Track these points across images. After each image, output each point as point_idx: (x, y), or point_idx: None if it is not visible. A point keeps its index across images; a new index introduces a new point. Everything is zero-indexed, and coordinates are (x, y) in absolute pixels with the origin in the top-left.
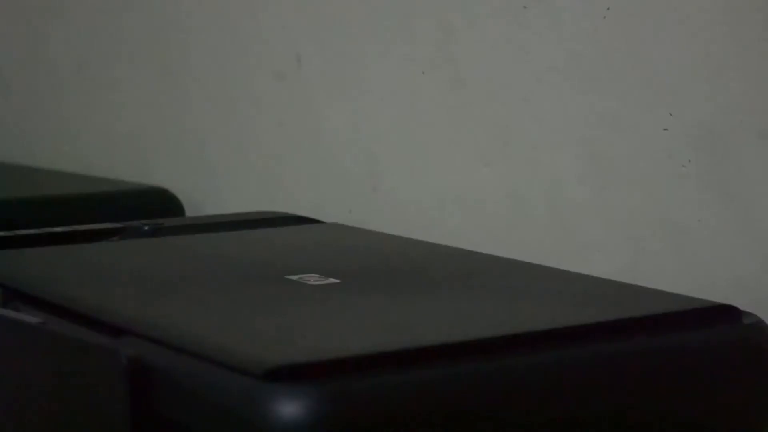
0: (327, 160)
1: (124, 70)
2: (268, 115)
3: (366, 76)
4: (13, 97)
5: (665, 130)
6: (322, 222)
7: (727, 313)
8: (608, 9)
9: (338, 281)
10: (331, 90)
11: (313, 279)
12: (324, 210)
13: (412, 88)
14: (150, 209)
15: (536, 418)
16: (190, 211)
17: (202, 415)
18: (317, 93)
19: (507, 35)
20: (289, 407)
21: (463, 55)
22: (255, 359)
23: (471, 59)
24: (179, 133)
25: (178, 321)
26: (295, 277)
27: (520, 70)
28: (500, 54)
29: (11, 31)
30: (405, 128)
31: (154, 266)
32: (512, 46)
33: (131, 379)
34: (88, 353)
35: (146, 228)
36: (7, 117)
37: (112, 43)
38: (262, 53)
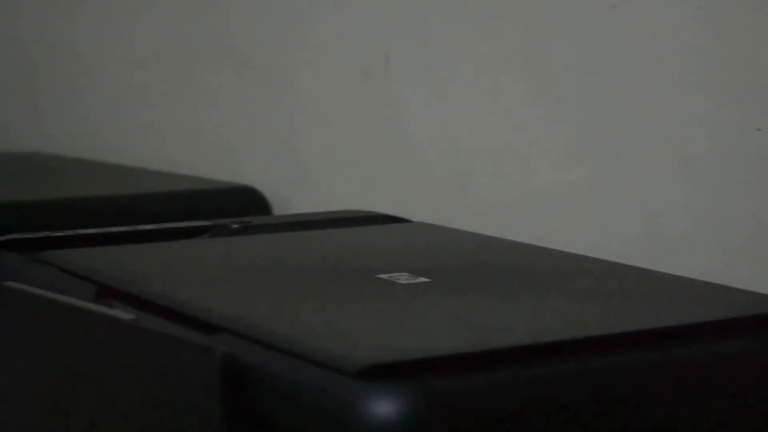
0: (415, 159)
1: (212, 70)
2: (356, 114)
3: (454, 75)
4: (102, 96)
5: (758, 130)
6: (410, 221)
7: None
8: (699, 8)
9: (429, 280)
10: (418, 89)
11: (404, 278)
12: (412, 209)
13: (500, 87)
14: (238, 207)
15: (627, 418)
16: (277, 210)
17: (295, 413)
18: (405, 92)
19: (596, 34)
20: (383, 405)
21: (553, 54)
22: (349, 357)
23: (560, 58)
24: (267, 132)
25: (271, 318)
26: (385, 276)
27: (610, 70)
28: (589, 53)
29: (99, 30)
30: (493, 127)
31: (244, 264)
32: (601, 45)
33: (225, 376)
34: (182, 350)
35: (235, 226)
36: (97, 116)
37: (199, 42)
38: (350, 53)
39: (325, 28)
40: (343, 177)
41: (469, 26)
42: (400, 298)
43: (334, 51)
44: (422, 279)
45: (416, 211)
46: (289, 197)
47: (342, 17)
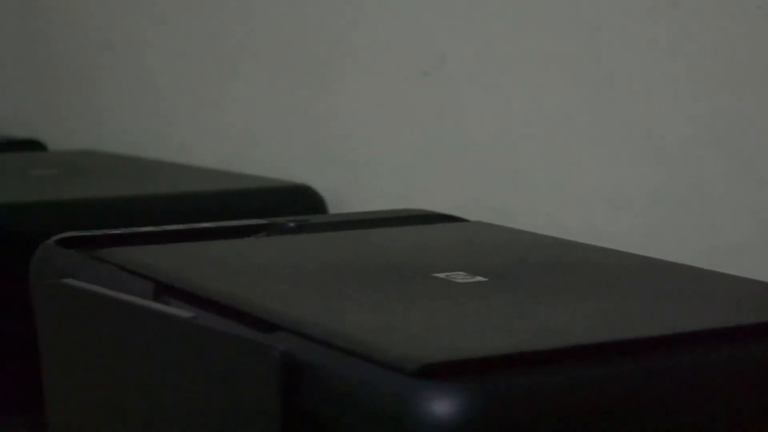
0: (471, 158)
1: (270, 70)
2: (413, 113)
3: (510, 73)
4: (160, 96)
5: None
6: (466, 220)
7: None
8: (759, 7)
9: (485, 279)
10: (475, 88)
11: (460, 277)
12: (467, 208)
13: (557, 86)
14: (294, 206)
15: (688, 418)
16: (333, 209)
17: (352, 412)
18: (461, 91)
19: (654, 33)
20: (441, 405)
21: (610, 53)
22: (407, 356)
23: (618, 57)
24: (322, 131)
25: (329, 317)
26: (442, 275)
27: (667, 69)
28: (647, 52)
29: (159, 30)
30: (550, 126)
31: (301, 262)
32: (659, 44)
33: (283, 374)
34: (241, 348)
35: (291, 225)
36: (155, 115)
37: (257, 42)
38: (407, 52)
39: (381, 27)
40: (398, 176)
41: (525, 25)
42: (457, 297)
43: (391, 51)
44: (479, 278)
45: (472, 210)
46: (345, 196)
47: (398, 17)
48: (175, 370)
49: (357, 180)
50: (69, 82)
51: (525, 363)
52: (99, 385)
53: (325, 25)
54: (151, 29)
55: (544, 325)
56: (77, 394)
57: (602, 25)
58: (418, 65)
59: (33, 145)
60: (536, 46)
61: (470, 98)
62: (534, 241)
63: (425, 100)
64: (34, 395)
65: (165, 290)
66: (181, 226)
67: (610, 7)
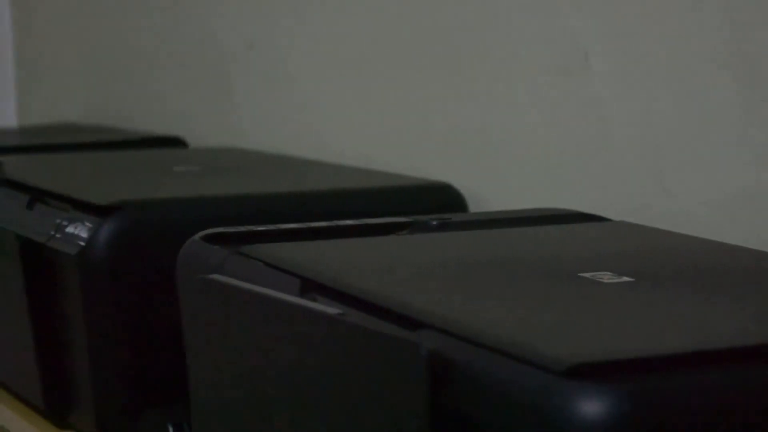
0: (613, 158)
1: (410, 68)
2: (553, 112)
3: (655, 72)
4: (301, 94)
5: None
6: (609, 219)
7: None
8: None
9: (632, 280)
10: (618, 87)
11: (607, 277)
12: (609, 207)
13: (702, 86)
14: (434, 204)
15: None
16: (473, 207)
17: (499, 410)
18: (604, 90)
19: None
20: (591, 405)
21: (756, 52)
22: (557, 356)
23: (764, 56)
24: (462, 129)
25: (475, 316)
26: (588, 275)
27: None
28: None
29: (298, 30)
30: (694, 126)
31: (444, 261)
32: None
33: (430, 372)
34: (388, 345)
35: (434, 223)
36: (296, 113)
37: (398, 42)
38: (549, 51)
39: (524, 25)
40: (538, 175)
41: (671, 23)
42: (604, 298)
43: (533, 49)
44: (625, 278)
45: (613, 210)
46: (485, 194)
47: (541, 15)
48: (321, 366)
49: (497, 179)
50: (210, 81)
51: (673, 365)
52: (243, 379)
53: (465, 22)
54: (293, 28)
55: (692, 327)
56: (221, 387)
57: (752, 22)
58: (560, 64)
59: (174, 142)
60: (683, 43)
61: (614, 97)
62: (678, 242)
63: (567, 99)
64: (178, 387)
65: (311, 287)
66: (324, 224)
67: (756, 3)
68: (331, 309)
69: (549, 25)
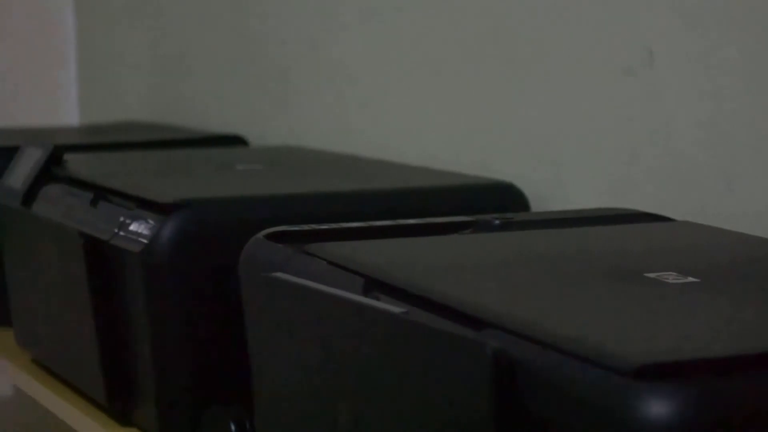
0: (678, 158)
1: (474, 67)
2: (617, 112)
3: (722, 70)
4: (363, 93)
5: None
6: (673, 220)
7: None
8: None
9: (698, 280)
10: (684, 85)
11: (672, 277)
12: (672, 207)
13: None
14: (496, 203)
15: None
16: (535, 207)
17: (565, 410)
18: (669, 88)
19: None
20: (658, 406)
21: None
22: (623, 356)
23: None
24: (524, 128)
25: (540, 315)
26: (653, 275)
27: None
28: None
29: (357, 29)
30: (762, 126)
31: (508, 260)
32: None
33: (496, 371)
34: (453, 344)
35: (497, 222)
36: (357, 112)
37: (460, 39)
38: (612, 48)
39: (588, 24)
40: (601, 174)
41: (739, 20)
42: (670, 298)
43: (597, 48)
44: (691, 279)
45: (677, 210)
46: (547, 194)
47: (606, 14)
48: (385, 364)
49: (560, 178)
50: (271, 80)
51: (739, 366)
52: (306, 377)
53: (529, 21)
54: (354, 27)
55: (759, 327)
56: (284, 385)
57: None
58: (624, 62)
59: (235, 141)
60: (752, 39)
61: (679, 95)
62: (744, 242)
63: (631, 97)
64: (241, 385)
65: (374, 285)
66: (387, 222)
67: None
68: (395, 308)
69: (614, 24)
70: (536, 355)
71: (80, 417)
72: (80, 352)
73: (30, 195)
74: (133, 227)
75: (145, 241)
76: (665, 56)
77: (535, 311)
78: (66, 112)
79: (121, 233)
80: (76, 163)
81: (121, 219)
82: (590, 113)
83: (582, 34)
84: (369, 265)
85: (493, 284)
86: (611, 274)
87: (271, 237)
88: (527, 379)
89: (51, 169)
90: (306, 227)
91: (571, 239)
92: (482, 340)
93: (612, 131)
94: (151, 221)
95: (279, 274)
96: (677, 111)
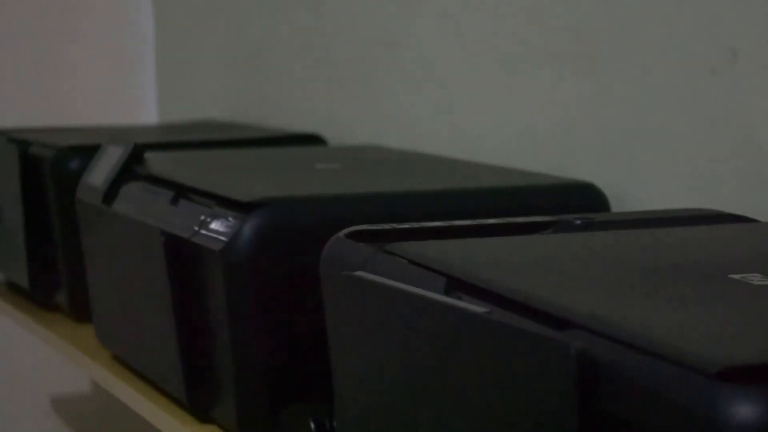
0: (762, 158)
1: (553, 67)
2: (699, 111)
3: None
4: (442, 92)
5: None
6: (757, 221)
7: None
8: None
9: None
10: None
11: (757, 279)
12: (755, 209)
13: None
14: (576, 204)
15: None
16: (615, 207)
17: (648, 411)
18: (753, 89)
19: None
20: (743, 408)
21: None
22: (708, 358)
23: None
24: (604, 128)
25: (624, 316)
26: (737, 276)
27: None
28: None
29: (438, 28)
30: None
31: (590, 260)
32: None
33: (579, 372)
34: (536, 344)
35: (578, 222)
36: (436, 111)
37: (540, 39)
38: (692, 48)
39: (669, 24)
40: (682, 174)
41: None
42: (754, 299)
43: (678, 46)
44: None
45: (761, 211)
46: (628, 194)
47: (687, 13)
48: (467, 364)
49: (640, 179)
50: (349, 79)
51: None
52: (387, 375)
53: (609, 21)
54: (432, 26)
55: None
56: (365, 383)
57: None
58: (706, 62)
59: (313, 140)
60: None
61: (762, 98)
62: None
63: (713, 99)
64: (320, 383)
65: (456, 285)
66: (467, 222)
67: None
68: (478, 307)
69: (695, 23)
70: (620, 356)
71: (160, 413)
72: (160, 349)
73: (111, 193)
74: (213, 225)
75: (225, 239)
76: (748, 56)
77: (619, 312)
78: (145, 111)
79: (202, 231)
80: (157, 162)
81: (202, 217)
82: (671, 112)
83: (663, 33)
84: (451, 265)
85: (576, 284)
86: (695, 275)
87: (351, 236)
88: (610, 379)
89: (132, 168)
90: (386, 226)
91: (653, 240)
92: (566, 340)
93: (694, 131)
94: (231, 219)
95: (360, 273)
96: (761, 110)
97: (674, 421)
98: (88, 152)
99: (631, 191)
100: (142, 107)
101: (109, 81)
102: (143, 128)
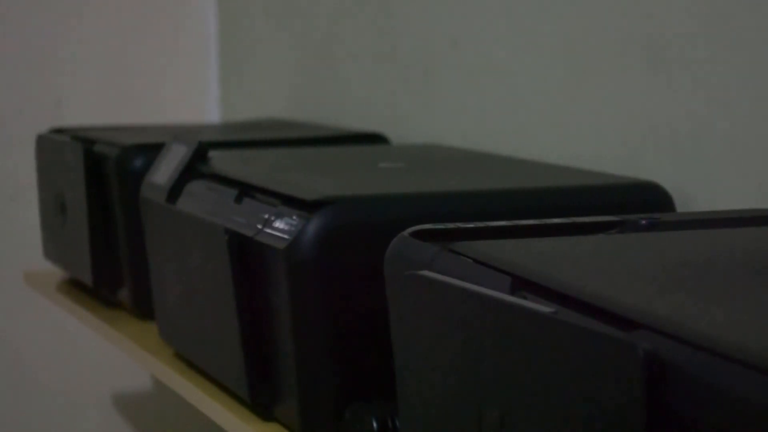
0: None
1: (620, 64)
2: (764, 110)
3: None
4: (503, 89)
5: None
6: None
7: None
8: None
9: None
10: None
11: None
12: None
13: None
14: (641, 203)
15: None
16: (680, 207)
17: (717, 412)
18: None
19: None
20: None
21: None
22: None
23: None
24: (670, 127)
25: (693, 317)
26: None
27: None
28: None
29: (502, 26)
30: None
31: (656, 261)
32: None
33: (647, 373)
34: (604, 345)
35: (644, 222)
36: (499, 110)
37: (600, 37)
38: (761, 45)
39: (734, 20)
40: (748, 175)
41: None
42: None
43: (749, 47)
44: None
45: None
46: (693, 194)
47: (754, 11)
48: (532, 364)
49: (706, 179)
50: (412, 78)
51: None
52: (452, 376)
53: (673, 17)
54: (496, 24)
55: None
56: (429, 383)
57: None
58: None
59: (376, 139)
60: None
61: None
62: None
63: None
64: (383, 382)
65: (522, 284)
66: (533, 222)
67: None
68: (544, 307)
69: (763, 18)
70: (688, 357)
71: (222, 411)
72: (223, 347)
73: (175, 191)
74: (277, 224)
75: (289, 237)
76: None
77: (687, 313)
78: (208, 110)
79: (266, 230)
80: (220, 160)
81: (266, 216)
82: (738, 112)
83: (729, 30)
84: (516, 264)
85: (643, 285)
86: (762, 276)
87: (416, 235)
88: (679, 380)
89: (196, 166)
90: (451, 225)
91: (720, 240)
92: (634, 341)
93: (761, 130)
94: (295, 218)
95: (425, 272)
96: None
97: (743, 422)
98: (152, 151)
99: (696, 191)
100: (206, 106)
101: (173, 80)
102: (207, 127)
